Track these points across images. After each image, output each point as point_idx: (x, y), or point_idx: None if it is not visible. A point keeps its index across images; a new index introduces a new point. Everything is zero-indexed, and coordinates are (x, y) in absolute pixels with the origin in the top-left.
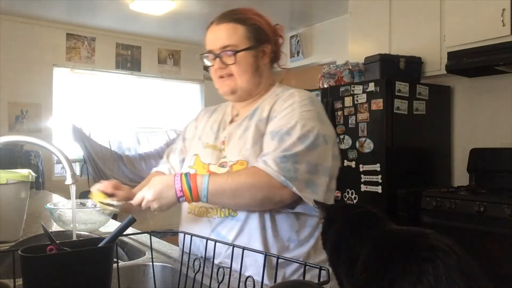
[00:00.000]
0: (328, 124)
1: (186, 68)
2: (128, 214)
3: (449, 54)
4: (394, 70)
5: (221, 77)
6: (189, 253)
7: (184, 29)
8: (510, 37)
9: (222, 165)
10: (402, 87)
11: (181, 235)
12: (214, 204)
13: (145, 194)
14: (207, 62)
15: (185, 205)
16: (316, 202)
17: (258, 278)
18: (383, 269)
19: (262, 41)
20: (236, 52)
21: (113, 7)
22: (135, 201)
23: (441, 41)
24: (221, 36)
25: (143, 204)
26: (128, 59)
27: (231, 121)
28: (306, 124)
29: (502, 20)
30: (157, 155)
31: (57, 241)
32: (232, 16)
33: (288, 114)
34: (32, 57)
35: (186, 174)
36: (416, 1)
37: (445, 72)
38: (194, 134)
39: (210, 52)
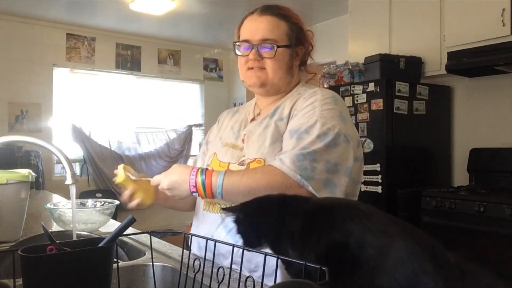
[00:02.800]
0: (350, 123)
1: (186, 68)
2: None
3: (449, 54)
4: (394, 70)
5: (251, 68)
6: (189, 252)
7: (184, 29)
8: (510, 37)
9: (241, 163)
10: (402, 87)
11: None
12: (228, 202)
13: (162, 180)
14: (237, 52)
15: (201, 202)
16: (224, 209)
17: (271, 278)
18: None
19: (300, 42)
20: (277, 47)
21: (113, 7)
22: (153, 181)
23: (441, 41)
24: (263, 27)
25: (159, 188)
26: (128, 59)
27: (252, 120)
28: (327, 122)
29: (502, 20)
30: (157, 155)
31: (57, 241)
32: (276, 11)
33: (308, 112)
34: (32, 57)
35: (202, 170)
36: (416, 1)
37: (445, 72)
38: (216, 136)
39: (247, 41)
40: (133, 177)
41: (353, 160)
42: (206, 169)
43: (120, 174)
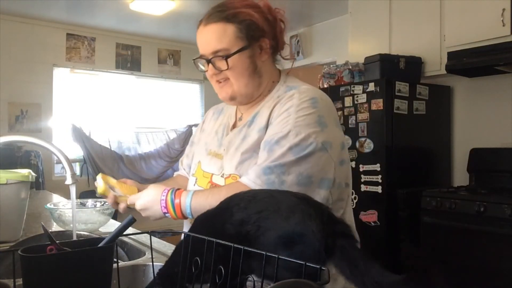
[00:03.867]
0: (331, 128)
1: (186, 68)
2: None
3: (449, 54)
4: (394, 70)
5: (218, 81)
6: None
7: (184, 29)
8: (510, 37)
9: (222, 175)
10: (402, 87)
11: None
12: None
13: (136, 202)
14: (201, 67)
15: None
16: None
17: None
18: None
19: (257, 37)
20: (227, 57)
21: (113, 7)
22: (129, 201)
23: (441, 41)
24: (210, 39)
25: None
26: (128, 59)
27: (234, 126)
28: (301, 131)
29: (502, 20)
30: (157, 155)
31: (57, 241)
32: (220, 14)
33: (282, 120)
34: (32, 57)
35: (172, 190)
36: (416, 1)
37: (445, 72)
38: (200, 138)
39: (202, 57)
40: (114, 181)
41: (335, 168)
42: (178, 189)
43: (100, 185)
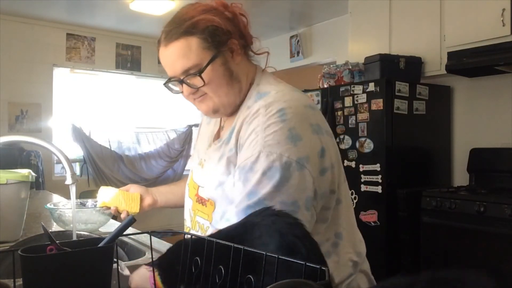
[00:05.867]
0: (306, 138)
1: None
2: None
3: (449, 54)
4: (394, 70)
5: (198, 99)
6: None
7: None
8: (510, 37)
9: (200, 201)
10: (402, 87)
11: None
12: None
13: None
14: (175, 89)
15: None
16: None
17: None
18: None
19: (224, 40)
20: (200, 73)
21: (113, 7)
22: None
23: (441, 41)
24: (176, 59)
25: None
26: (128, 59)
27: (218, 134)
28: (271, 151)
29: (502, 20)
30: (157, 155)
31: (57, 241)
32: (178, 30)
33: (251, 143)
34: (32, 57)
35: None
36: (416, 1)
37: (445, 72)
38: (197, 142)
39: (173, 79)
40: (113, 192)
41: (314, 181)
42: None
43: (99, 199)
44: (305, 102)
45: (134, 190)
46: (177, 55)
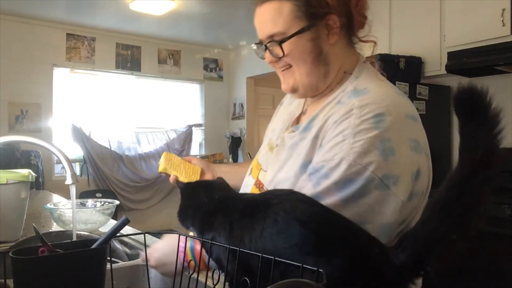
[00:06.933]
0: (400, 153)
1: (186, 68)
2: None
3: (449, 54)
4: (394, 70)
5: (282, 70)
6: (184, 253)
7: (184, 29)
8: (510, 37)
9: (258, 186)
10: (402, 87)
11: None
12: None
13: (150, 257)
14: (260, 54)
15: None
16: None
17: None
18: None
19: (322, 14)
20: (281, 42)
21: (113, 7)
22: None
23: (441, 41)
24: (264, 21)
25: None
26: (128, 59)
27: (298, 119)
28: (355, 162)
29: (502, 20)
30: (157, 155)
31: (49, 243)
32: None
33: (336, 145)
34: (32, 57)
35: (191, 247)
36: (416, 1)
37: (445, 72)
38: (272, 122)
39: (259, 43)
40: (176, 160)
41: (401, 209)
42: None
43: (161, 163)
44: (408, 110)
45: (196, 162)
46: (266, 17)
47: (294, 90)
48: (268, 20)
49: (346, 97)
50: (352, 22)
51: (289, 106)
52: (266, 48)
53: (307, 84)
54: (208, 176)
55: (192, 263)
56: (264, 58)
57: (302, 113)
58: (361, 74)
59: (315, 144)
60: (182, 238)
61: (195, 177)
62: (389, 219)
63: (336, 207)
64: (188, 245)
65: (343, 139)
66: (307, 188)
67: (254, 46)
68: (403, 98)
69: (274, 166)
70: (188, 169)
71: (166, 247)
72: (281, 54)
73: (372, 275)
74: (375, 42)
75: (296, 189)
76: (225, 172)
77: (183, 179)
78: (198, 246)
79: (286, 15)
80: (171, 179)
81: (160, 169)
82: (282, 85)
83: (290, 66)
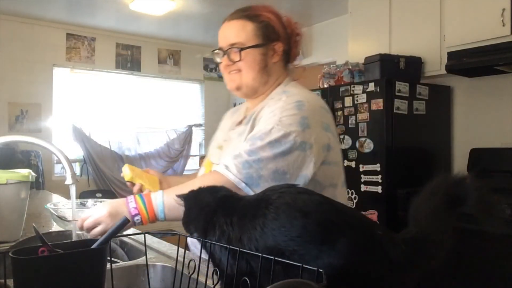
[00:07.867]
0: (314, 129)
1: (186, 68)
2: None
3: (449, 54)
4: (394, 70)
5: (231, 72)
6: (184, 253)
7: (184, 29)
8: (510, 37)
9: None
10: (402, 87)
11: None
12: (173, 221)
13: (95, 212)
14: (217, 59)
15: None
16: (178, 196)
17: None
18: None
19: (272, 39)
20: (241, 50)
21: (113, 7)
22: (85, 224)
23: (441, 41)
24: (230, 33)
25: (90, 223)
26: (128, 59)
27: (240, 122)
28: (281, 129)
29: (502, 20)
30: (157, 155)
31: (49, 243)
32: (242, 13)
33: (267, 120)
34: (32, 57)
35: (140, 195)
36: (416, 1)
37: (445, 72)
38: (216, 134)
39: (219, 49)
40: (138, 171)
41: (314, 165)
42: (142, 194)
43: (126, 173)
44: (322, 104)
45: (153, 173)
46: (232, 30)
47: (238, 89)
48: (233, 32)
49: (277, 94)
50: (290, 52)
51: (232, 117)
52: (225, 53)
53: (250, 86)
54: (164, 186)
55: (144, 214)
56: (220, 62)
57: (244, 118)
58: (288, 84)
59: (254, 126)
60: (130, 197)
61: (155, 186)
62: (304, 172)
63: (268, 159)
64: (138, 198)
65: (274, 115)
66: (244, 147)
67: (216, 51)
68: (319, 97)
69: (227, 154)
70: (149, 178)
71: (115, 204)
72: (237, 59)
73: (377, 256)
74: (304, 68)
75: (236, 151)
76: (179, 182)
77: (148, 187)
78: (147, 199)
79: (248, 31)
80: (135, 188)
81: (127, 178)
82: (227, 84)
83: (240, 70)
